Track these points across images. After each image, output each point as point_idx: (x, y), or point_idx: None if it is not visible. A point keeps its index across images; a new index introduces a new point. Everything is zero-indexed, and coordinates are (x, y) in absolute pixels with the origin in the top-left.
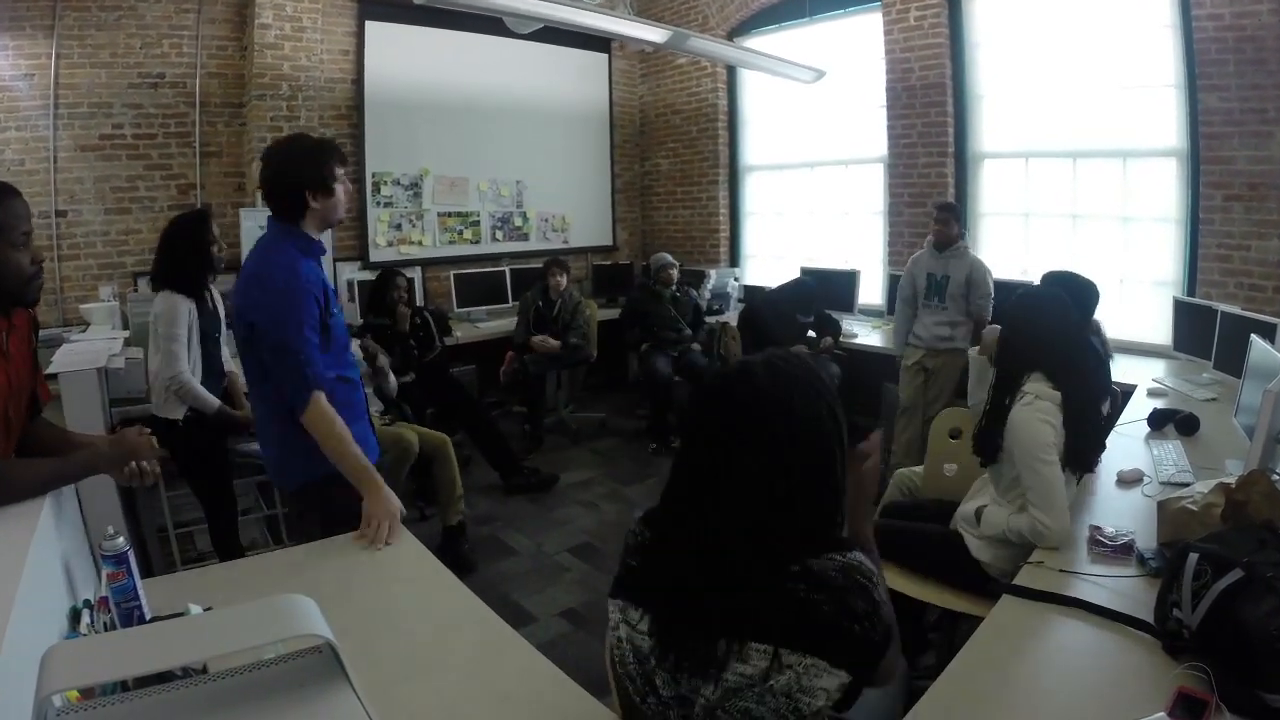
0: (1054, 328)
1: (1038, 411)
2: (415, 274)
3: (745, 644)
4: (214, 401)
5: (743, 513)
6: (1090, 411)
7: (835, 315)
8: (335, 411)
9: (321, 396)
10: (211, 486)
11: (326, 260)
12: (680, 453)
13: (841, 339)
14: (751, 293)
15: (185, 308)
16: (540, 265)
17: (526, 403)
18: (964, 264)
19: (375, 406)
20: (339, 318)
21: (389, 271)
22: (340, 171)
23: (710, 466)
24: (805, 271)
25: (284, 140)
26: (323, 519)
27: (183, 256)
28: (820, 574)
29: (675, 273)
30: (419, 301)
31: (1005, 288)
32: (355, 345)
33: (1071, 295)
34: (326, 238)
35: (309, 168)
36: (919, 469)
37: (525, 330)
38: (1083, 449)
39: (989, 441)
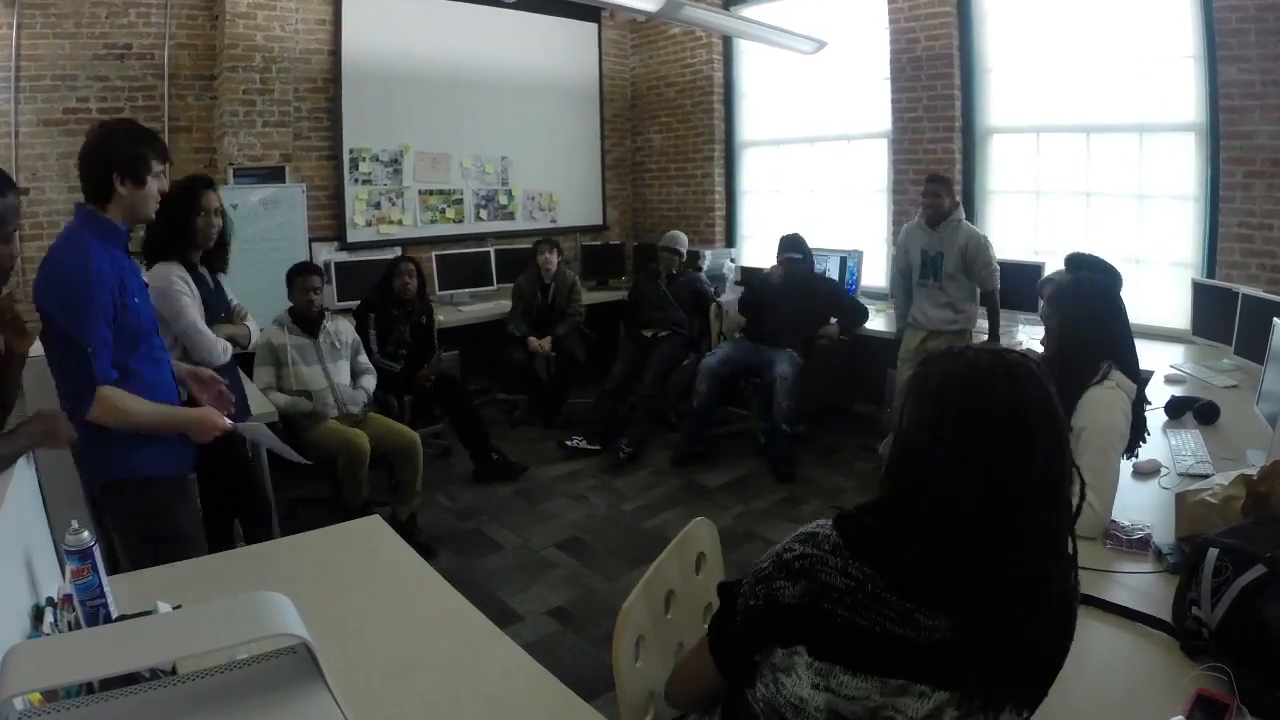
0: (1120, 316)
1: (1119, 399)
2: (394, 255)
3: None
4: (223, 345)
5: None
6: (1143, 402)
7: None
8: (127, 397)
9: (108, 391)
10: None
11: (304, 239)
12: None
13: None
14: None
15: (177, 274)
16: (528, 246)
17: (528, 390)
18: (957, 239)
19: None
20: (139, 306)
21: (397, 260)
22: (159, 168)
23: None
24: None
25: (113, 120)
26: (130, 519)
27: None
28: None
29: (677, 256)
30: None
31: (1016, 268)
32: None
33: None
34: (304, 221)
35: (124, 151)
36: None
37: (523, 321)
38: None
39: None
